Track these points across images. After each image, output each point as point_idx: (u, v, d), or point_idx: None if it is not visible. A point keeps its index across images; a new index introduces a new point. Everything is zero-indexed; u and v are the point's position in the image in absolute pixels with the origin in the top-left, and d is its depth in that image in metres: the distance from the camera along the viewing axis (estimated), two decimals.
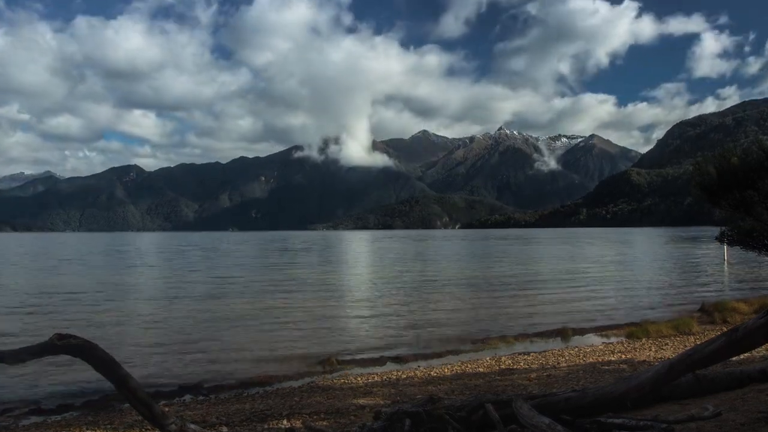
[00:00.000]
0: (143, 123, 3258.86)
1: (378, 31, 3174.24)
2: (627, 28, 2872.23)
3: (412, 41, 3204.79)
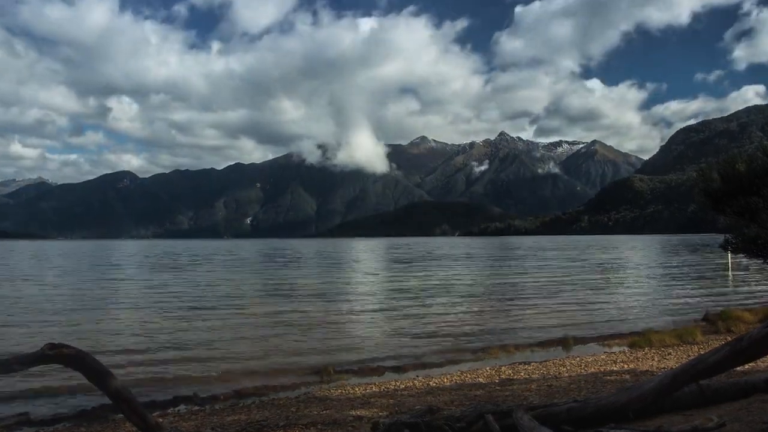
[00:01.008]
0: (122, 115, 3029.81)
1: (397, 7, 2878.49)
2: None
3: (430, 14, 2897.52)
